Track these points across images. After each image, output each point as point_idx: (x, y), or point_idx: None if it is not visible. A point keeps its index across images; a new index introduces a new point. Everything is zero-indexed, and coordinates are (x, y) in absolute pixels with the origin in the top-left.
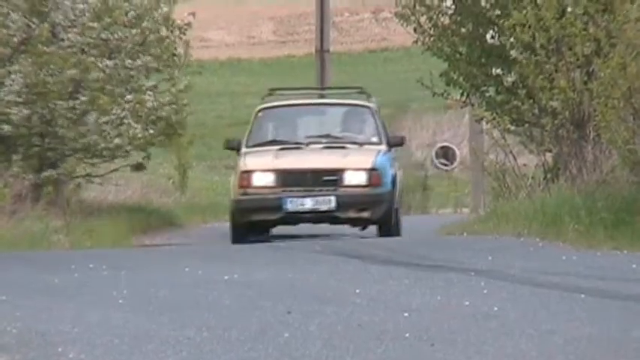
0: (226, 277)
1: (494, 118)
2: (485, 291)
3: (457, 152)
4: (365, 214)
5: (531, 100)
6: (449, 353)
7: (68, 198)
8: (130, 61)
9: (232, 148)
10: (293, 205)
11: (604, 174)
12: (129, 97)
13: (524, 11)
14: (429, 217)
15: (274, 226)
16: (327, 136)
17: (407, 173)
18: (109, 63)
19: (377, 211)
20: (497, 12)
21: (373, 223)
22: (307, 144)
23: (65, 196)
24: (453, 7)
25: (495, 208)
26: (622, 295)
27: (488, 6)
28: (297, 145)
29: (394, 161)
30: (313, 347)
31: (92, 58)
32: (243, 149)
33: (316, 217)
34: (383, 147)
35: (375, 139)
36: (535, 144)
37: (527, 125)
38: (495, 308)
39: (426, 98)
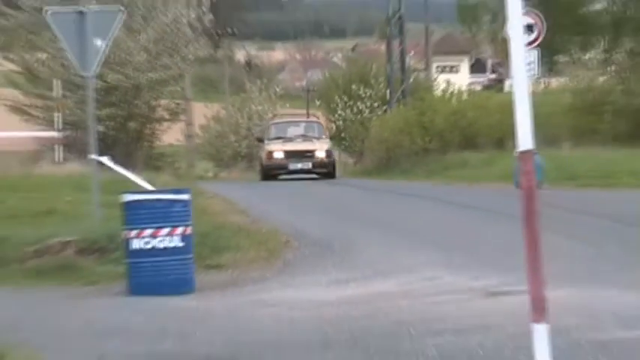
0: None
1: (343, 149)
2: (359, 193)
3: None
4: (324, 170)
5: (352, 145)
6: (371, 215)
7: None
8: None
9: (260, 140)
10: (293, 166)
11: (368, 163)
12: None
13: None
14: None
15: (284, 174)
16: (303, 135)
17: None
18: None
19: (329, 169)
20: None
21: (328, 175)
22: (294, 139)
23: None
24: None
25: (344, 172)
26: (403, 192)
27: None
28: (290, 139)
29: (333, 147)
30: (329, 214)
31: None
32: (266, 141)
33: (302, 171)
34: (328, 140)
35: (324, 137)
36: (354, 156)
37: (353, 152)
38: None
39: None
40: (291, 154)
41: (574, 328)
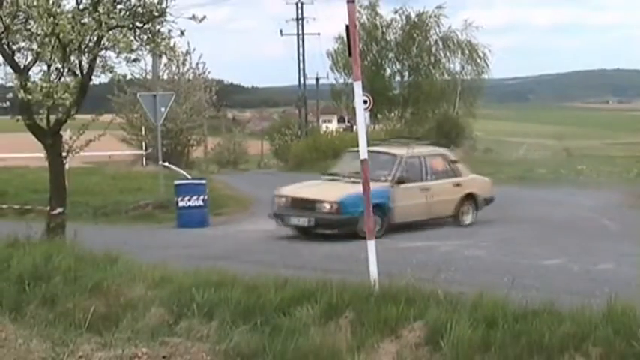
0: None
1: (279, 159)
2: None
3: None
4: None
5: (283, 156)
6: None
7: None
8: None
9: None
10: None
11: (291, 165)
12: None
13: None
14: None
15: None
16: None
17: None
18: None
19: None
20: None
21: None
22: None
23: None
24: None
25: (278, 169)
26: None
27: None
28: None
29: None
30: (272, 189)
31: None
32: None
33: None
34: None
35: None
36: (283, 161)
37: (283, 159)
38: None
39: None
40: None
41: (386, 242)
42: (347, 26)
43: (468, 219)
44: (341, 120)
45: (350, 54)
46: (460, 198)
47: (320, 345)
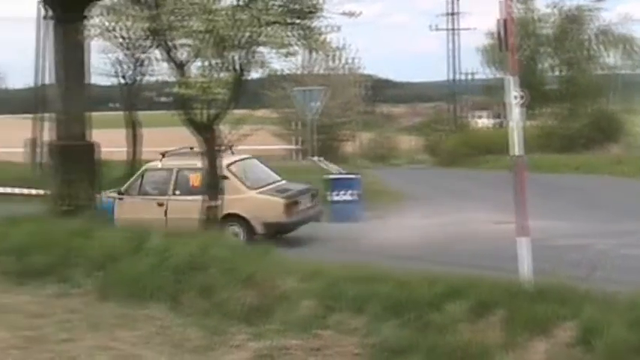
0: None
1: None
2: None
3: None
4: None
5: (434, 149)
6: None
7: None
8: None
9: None
10: None
11: (443, 158)
12: None
13: None
14: None
15: None
16: None
17: None
18: None
19: None
20: None
21: None
22: None
23: None
24: None
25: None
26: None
27: None
28: None
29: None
30: (425, 186)
31: None
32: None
33: None
34: None
35: None
36: (434, 155)
37: (435, 154)
38: None
39: None
40: None
41: (537, 240)
42: (501, 20)
43: None
44: (494, 116)
45: (504, 48)
46: None
47: (469, 342)
